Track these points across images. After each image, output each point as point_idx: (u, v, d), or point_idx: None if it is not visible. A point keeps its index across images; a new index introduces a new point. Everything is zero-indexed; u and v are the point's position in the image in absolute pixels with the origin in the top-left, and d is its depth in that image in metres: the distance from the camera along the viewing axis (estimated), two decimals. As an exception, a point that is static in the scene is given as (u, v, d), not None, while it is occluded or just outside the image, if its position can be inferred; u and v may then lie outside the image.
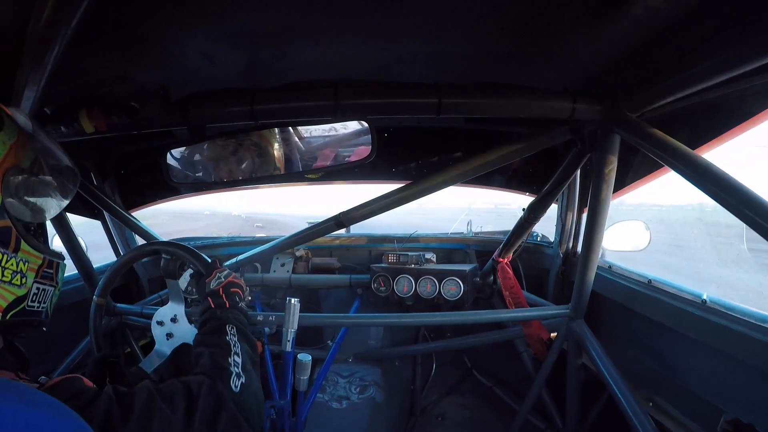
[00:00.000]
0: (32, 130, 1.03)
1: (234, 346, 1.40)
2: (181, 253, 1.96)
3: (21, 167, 0.97)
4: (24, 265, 0.96)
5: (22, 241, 0.96)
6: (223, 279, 1.77)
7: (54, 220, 2.28)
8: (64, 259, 1.14)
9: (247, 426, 1.21)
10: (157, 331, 2.05)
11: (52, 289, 1.08)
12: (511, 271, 2.83)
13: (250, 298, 1.97)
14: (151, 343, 2.07)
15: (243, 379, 1.27)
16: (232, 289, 1.74)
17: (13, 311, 0.93)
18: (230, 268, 2.70)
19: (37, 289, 1.01)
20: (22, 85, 1.20)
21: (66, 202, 1.13)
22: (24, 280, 0.96)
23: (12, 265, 0.92)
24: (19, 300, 0.95)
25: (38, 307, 1.02)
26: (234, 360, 1.33)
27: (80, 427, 0.79)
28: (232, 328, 1.49)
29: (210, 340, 1.42)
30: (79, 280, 2.57)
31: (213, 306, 1.63)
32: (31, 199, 1.00)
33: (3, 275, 0.91)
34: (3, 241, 0.92)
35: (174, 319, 2.04)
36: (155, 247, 2.07)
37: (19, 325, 0.99)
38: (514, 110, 1.82)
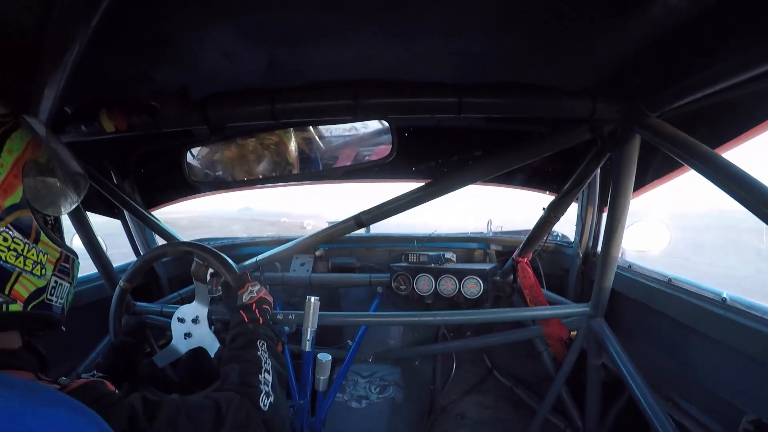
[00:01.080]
0: (45, 135, 1.04)
1: (265, 362, 1.41)
2: (213, 261, 1.96)
3: (39, 162, 0.99)
4: (43, 256, 0.98)
5: (42, 232, 0.98)
6: (255, 294, 1.77)
7: (74, 219, 2.30)
8: (78, 257, 1.15)
9: None
10: (176, 328, 2.06)
11: (69, 285, 1.09)
12: (531, 270, 2.81)
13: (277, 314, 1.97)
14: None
15: (272, 399, 1.28)
16: (263, 305, 1.74)
17: (34, 302, 0.95)
18: (250, 268, 2.71)
19: (56, 282, 1.02)
20: (42, 85, 1.21)
21: (79, 198, 1.13)
22: (43, 271, 0.97)
23: (33, 255, 0.94)
24: (39, 291, 0.96)
25: (56, 302, 1.03)
26: (264, 378, 1.34)
27: (103, 429, 0.79)
28: (263, 344, 1.50)
29: (241, 356, 1.43)
30: (99, 279, 2.58)
31: (246, 320, 1.63)
32: (49, 193, 1.02)
33: (24, 264, 0.92)
34: (24, 232, 0.94)
35: (195, 320, 2.05)
36: (189, 249, 2.06)
37: (37, 320, 1.00)
38: (535, 110, 1.82)
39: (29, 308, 0.93)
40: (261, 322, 1.67)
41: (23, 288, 0.92)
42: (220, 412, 1.13)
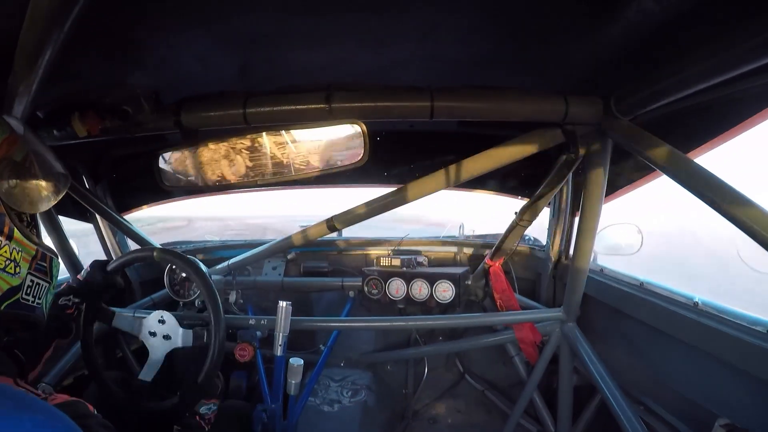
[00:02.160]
0: (23, 133, 1.04)
1: None
2: (202, 290, 1.99)
3: (13, 159, 0.98)
4: (18, 254, 0.96)
5: (15, 229, 0.96)
6: (211, 413, 1.92)
7: (46, 222, 2.28)
8: (57, 256, 1.14)
9: None
10: (149, 342, 2.05)
11: (47, 285, 1.08)
12: (503, 275, 2.82)
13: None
14: (144, 347, 2.07)
15: None
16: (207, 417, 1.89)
17: (8, 302, 0.93)
18: (222, 272, 2.71)
19: (31, 281, 1.01)
20: (14, 88, 1.20)
21: (57, 198, 1.13)
22: (18, 269, 0.96)
23: (5, 252, 0.92)
24: (13, 290, 0.95)
25: (33, 302, 1.02)
26: None
27: None
28: None
29: None
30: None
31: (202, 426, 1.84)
32: (23, 190, 1.01)
33: None
34: None
35: (162, 321, 2.04)
36: (179, 261, 2.07)
37: (14, 321, 0.99)
38: (507, 113, 1.83)
39: (3, 307, 0.92)
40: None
41: None
42: None
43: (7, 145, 0.97)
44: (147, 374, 1.99)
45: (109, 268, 2.05)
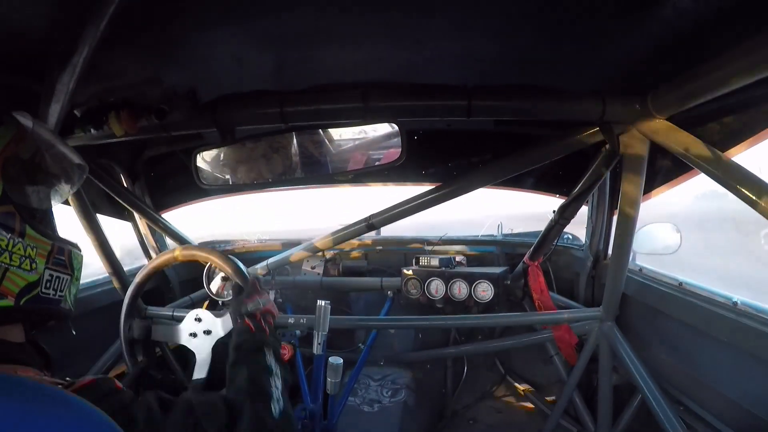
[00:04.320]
0: (32, 128, 1.02)
1: (275, 369, 1.38)
2: (225, 266, 1.95)
3: (21, 157, 0.97)
4: (32, 250, 0.95)
5: (27, 226, 0.95)
6: (261, 305, 1.75)
7: (84, 222, 2.29)
8: (78, 248, 1.12)
9: None
10: (192, 344, 2.03)
11: (69, 277, 1.06)
12: (541, 275, 2.80)
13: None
14: (183, 346, 2.06)
15: (281, 405, 1.25)
16: (268, 318, 1.73)
17: (27, 297, 0.92)
18: (261, 271, 2.70)
19: (50, 275, 0.99)
20: (51, 87, 1.21)
21: (72, 190, 1.11)
22: (34, 265, 0.95)
23: (19, 249, 0.92)
24: (31, 286, 0.93)
25: (54, 295, 1.01)
26: (275, 382, 1.31)
27: (107, 428, 0.78)
28: (270, 351, 1.47)
29: (250, 360, 1.40)
30: (109, 283, 2.58)
31: (252, 329, 1.62)
32: (33, 187, 1.00)
33: (11, 260, 0.90)
34: (7, 227, 0.91)
35: (198, 319, 2.03)
36: (201, 253, 2.05)
37: (39, 314, 0.99)
38: (544, 112, 1.83)
39: (22, 303, 0.91)
40: (268, 332, 1.64)
41: (11, 284, 0.89)
42: (232, 415, 1.12)
43: (14, 144, 0.96)
44: (200, 373, 1.98)
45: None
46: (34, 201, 1.00)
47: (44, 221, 1.02)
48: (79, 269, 1.11)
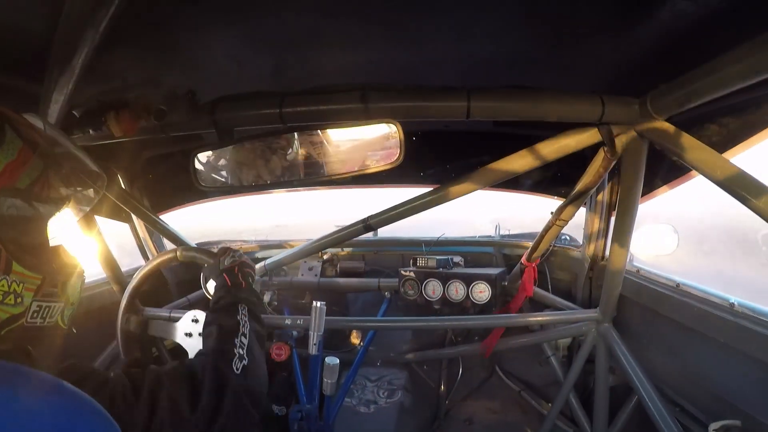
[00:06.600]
0: (45, 129, 1.00)
1: (243, 326, 1.41)
2: (194, 253, 1.97)
3: (17, 187, 0.93)
4: (18, 285, 0.90)
5: (13, 262, 0.90)
6: (237, 258, 1.77)
7: (81, 223, 2.29)
8: (81, 272, 1.09)
9: (251, 407, 1.23)
10: (187, 343, 2.04)
11: (61, 304, 1.02)
12: (533, 278, 2.83)
13: (258, 278, 1.94)
14: (179, 346, 2.06)
15: (246, 362, 1.28)
16: (245, 269, 1.76)
17: (8, 328, 0.89)
18: (258, 273, 2.71)
19: (38, 306, 0.95)
20: (50, 88, 1.21)
21: (97, 197, 1.10)
22: (19, 299, 0.91)
23: (3, 286, 0.87)
24: (15, 318, 0.90)
25: (41, 323, 0.97)
26: (240, 341, 1.34)
27: (95, 411, 0.79)
28: (244, 307, 1.50)
29: (219, 319, 1.44)
30: (107, 284, 2.58)
31: (229, 284, 1.66)
32: (28, 216, 0.96)
33: None
34: None
35: (195, 320, 2.03)
36: (168, 255, 2.08)
37: (24, 340, 0.94)
38: (543, 113, 1.81)
39: (3, 333, 0.88)
40: (244, 286, 1.69)
41: None
42: (195, 379, 1.14)
43: (11, 172, 0.90)
44: None
45: None
46: (30, 235, 0.98)
47: (37, 253, 0.98)
48: (76, 293, 1.08)
